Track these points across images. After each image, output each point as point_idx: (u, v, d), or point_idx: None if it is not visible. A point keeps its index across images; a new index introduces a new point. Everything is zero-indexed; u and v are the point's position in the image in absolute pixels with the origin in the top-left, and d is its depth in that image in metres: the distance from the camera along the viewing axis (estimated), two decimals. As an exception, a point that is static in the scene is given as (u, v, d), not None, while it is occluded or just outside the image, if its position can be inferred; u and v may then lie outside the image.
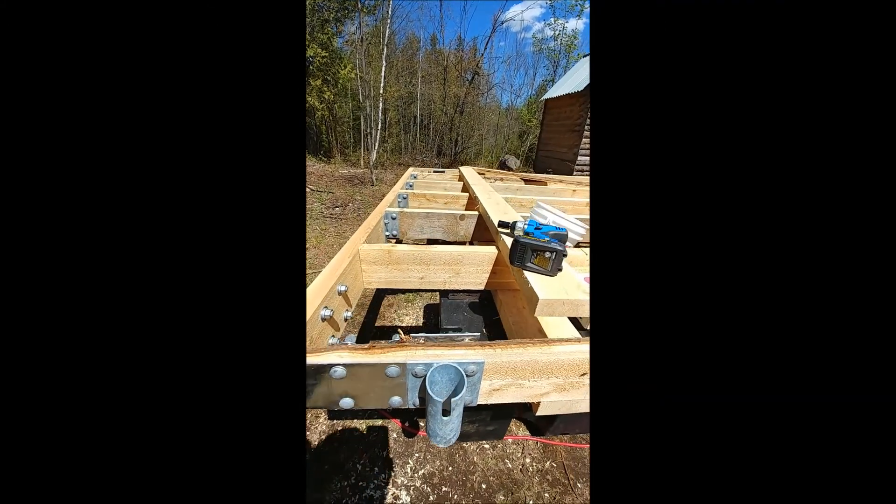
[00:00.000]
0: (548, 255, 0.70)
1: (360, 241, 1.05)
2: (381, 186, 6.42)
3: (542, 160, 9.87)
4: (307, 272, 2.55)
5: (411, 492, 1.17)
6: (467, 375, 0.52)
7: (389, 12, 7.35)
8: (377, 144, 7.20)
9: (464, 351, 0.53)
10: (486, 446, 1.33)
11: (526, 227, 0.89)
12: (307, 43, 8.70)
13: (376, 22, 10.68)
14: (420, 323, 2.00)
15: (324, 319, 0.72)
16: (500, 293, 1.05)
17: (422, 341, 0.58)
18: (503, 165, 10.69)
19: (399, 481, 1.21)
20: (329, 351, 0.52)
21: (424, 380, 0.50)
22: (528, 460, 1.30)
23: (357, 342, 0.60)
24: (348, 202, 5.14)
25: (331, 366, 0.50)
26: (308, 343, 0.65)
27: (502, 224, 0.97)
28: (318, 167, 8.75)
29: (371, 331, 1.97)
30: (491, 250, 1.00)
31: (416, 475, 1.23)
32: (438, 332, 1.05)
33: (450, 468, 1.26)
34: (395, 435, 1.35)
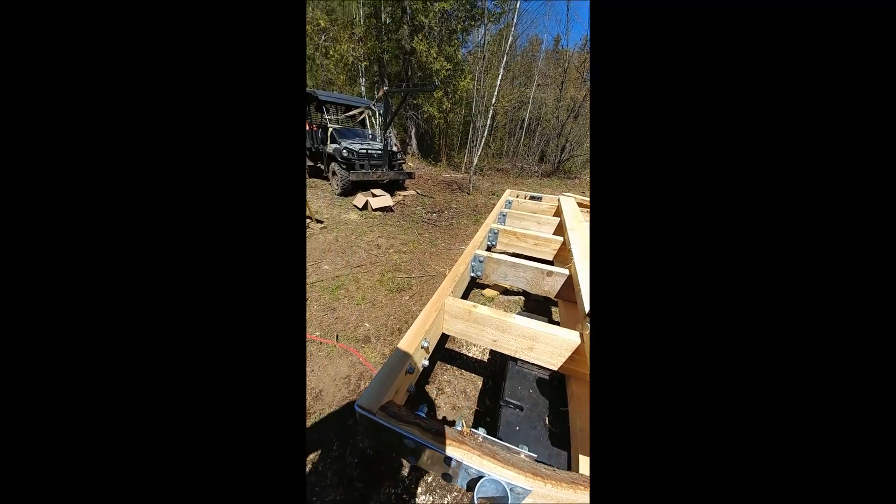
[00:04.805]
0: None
1: (448, 291, 1.17)
2: (476, 196, 6.64)
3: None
4: (399, 275, 2.92)
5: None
6: (513, 492, 0.56)
7: (515, 19, 7.31)
8: (480, 150, 7.43)
9: (515, 473, 0.57)
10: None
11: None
12: (434, 57, 9.60)
13: (500, 27, 10.82)
14: (485, 358, 2.06)
15: (408, 372, 0.88)
16: (573, 382, 1.01)
17: (480, 440, 0.65)
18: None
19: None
20: (405, 424, 0.66)
21: (475, 487, 0.57)
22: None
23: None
24: (444, 209, 5.54)
25: (403, 436, 0.63)
26: (393, 394, 0.81)
27: (588, 314, 0.92)
28: (426, 169, 9.69)
29: (441, 350, 2.15)
30: (573, 337, 0.97)
31: None
32: (498, 398, 1.09)
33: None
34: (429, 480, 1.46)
